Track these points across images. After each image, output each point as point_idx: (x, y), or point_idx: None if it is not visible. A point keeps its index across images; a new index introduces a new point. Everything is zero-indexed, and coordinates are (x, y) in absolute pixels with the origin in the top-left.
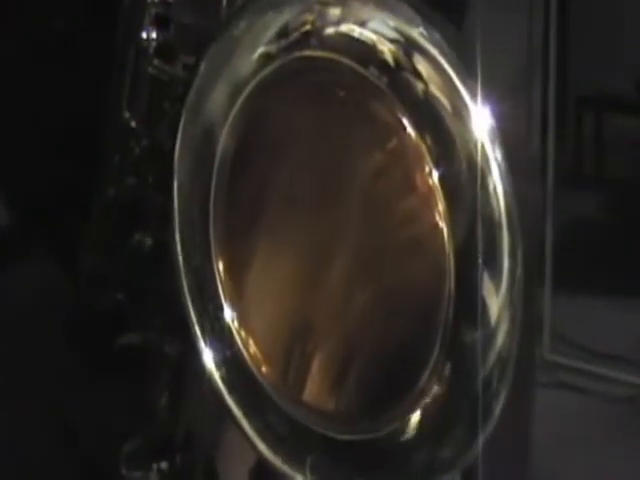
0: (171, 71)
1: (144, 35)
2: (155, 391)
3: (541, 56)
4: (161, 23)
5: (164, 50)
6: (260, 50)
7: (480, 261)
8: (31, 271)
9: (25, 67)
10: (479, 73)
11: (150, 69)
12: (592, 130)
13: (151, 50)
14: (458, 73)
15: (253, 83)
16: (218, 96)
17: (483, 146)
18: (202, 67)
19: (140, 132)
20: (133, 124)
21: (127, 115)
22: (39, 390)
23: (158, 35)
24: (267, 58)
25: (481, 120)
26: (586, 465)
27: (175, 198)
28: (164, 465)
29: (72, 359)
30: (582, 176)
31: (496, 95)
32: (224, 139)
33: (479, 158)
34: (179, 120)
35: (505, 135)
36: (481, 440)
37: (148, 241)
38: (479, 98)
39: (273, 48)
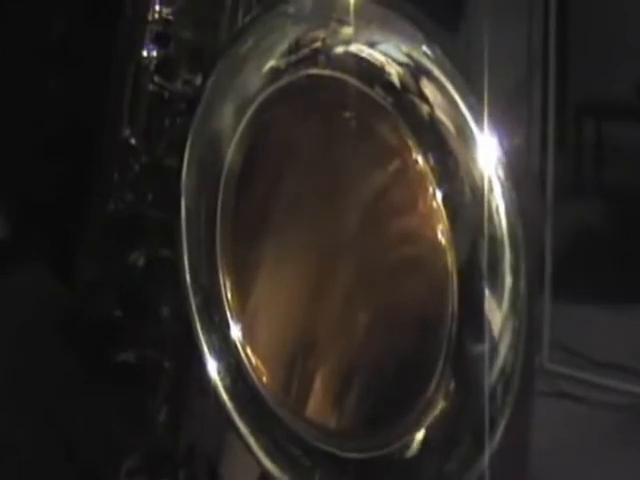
0: (171, 88)
1: (144, 52)
2: (154, 406)
3: (541, 64)
4: (161, 40)
5: (164, 67)
6: (270, 64)
7: (484, 279)
8: (29, 278)
9: (25, 76)
10: (485, 102)
11: (150, 86)
12: (592, 137)
13: (151, 67)
14: (462, 96)
15: (261, 98)
16: (225, 112)
17: (486, 167)
18: (209, 84)
19: (140, 149)
20: (133, 141)
21: (127, 132)
22: (36, 402)
23: (158, 52)
24: (276, 72)
25: (488, 151)
26: (586, 473)
27: (183, 214)
28: None
29: (70, 373)
30: (582, 184)
31: (500, 117)
32: (231, 155)
33: (486, 190)
34: (184, 139)
35: (509, 154)
36: (487, 454)
37: (146, 257)
38: (486, 127)
39: (282, 63)
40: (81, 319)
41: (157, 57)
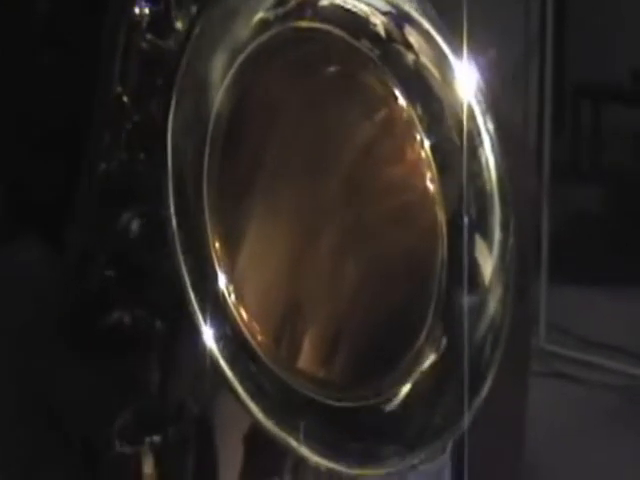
0: (164, 46)
1: (136, 10)
2: (146, 366)
3: (538, 46)
4: None
5: (157, 25)
6: (258, 16)
7: (467, 220)
8: (17, 250)
9: (15, 49)
10: (465, 30)
11: (143, 44)
12: (589, 120)
13: (144, 24)
14: (448, 43)
15: (249, 49)
16: (213, 63)
17: (474, 117)
18: (196, 33)
19: (132, 107)
20: (125, 99)
21: (119, 90)
22: (27, 367)
23: (151, 10)
24: (264, 24)
25: (467, 78)
26: (582, 454)
27: (169, 165)
28: (156, 439)
29: (61, 336)
30: (579, 166)
31: (487, 61)
32: (218, 104)
33: (465, 112)
34: (172, 86)
35: (497, 107)
36: (467, 403)
37: (139, 218)
38: (464, 55)
39: (271, 15)
40: (73, 280)
41: (149, 14)
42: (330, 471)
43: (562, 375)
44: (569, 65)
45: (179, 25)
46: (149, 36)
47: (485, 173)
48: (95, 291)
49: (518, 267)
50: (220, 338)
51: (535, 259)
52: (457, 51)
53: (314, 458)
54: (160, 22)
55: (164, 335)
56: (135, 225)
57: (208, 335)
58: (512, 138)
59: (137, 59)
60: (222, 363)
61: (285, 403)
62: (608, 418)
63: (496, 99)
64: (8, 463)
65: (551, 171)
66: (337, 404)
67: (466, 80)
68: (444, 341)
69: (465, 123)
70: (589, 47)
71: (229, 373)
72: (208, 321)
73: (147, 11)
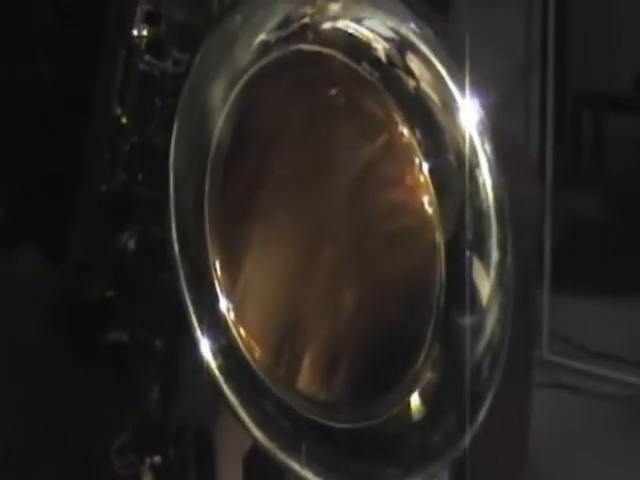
0: (162, 67)
1: (135, 32)
2: (146, 385)
3: (540, 54)
4: (152, 19)
5: (155, 46)
6: (260, 38)
7: (468, 243)
8: (17, 260)
9: (16, 59)
10: (467, 66)
11: (141, 65)
12: (591, 128)
13: (142, 46)
14: (448, 70)
15: (250, 72)
16: (214, 87)
17: (472, 139)
18: (198, 60)
19: (130, 128)
20: (124, 120)
21: (118, 111)
22: (24, 384)
23: (149, 31)
24: (266, 47)
25: (469, 112)
26: (584, 464)
27: (171, 189)
28: (156, 459)
29: (60, 352)
30: (581, 174)
31: (487, 88)
32: (219, 131)
33: (467, 145)
34: (175, 110)
35: (497, 129)
36: (468, 427)
37: (137, 237)
38: (467, 91)
39: (272, 37)
40: (72, 299)
41: (148, 36)
42: None
43: (564, 385)
44: (571, 73)
45: (176, 49)
46: (147, 57)
47: (482, 193)
48: (94, 309)
49: (520, 278)
50: (219, 356)
51: (538, 268)
52: (457, 77)
53: (313, 479)
54: (158, 44)
55: (164, 354)
56: (134, 244)
57: (207, 353)
58: (513, 147)
59: (136, 80)
60: (220, 381)
61: (284, 423)
62: (610, 428)
63: (494, 120)
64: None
65: (553, 180)
66: (337, 425)
67: (469, 114)
68: (442, 362)
69: (466, 153)
70: (590, 56)
71: (227, 391)
72: (207, 339)
73: (145, 33)
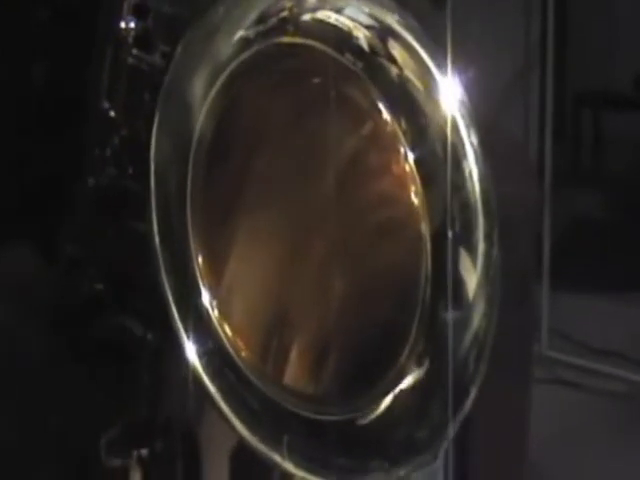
0: (150, 60)
1: (123, 25)
2: (134, 378)
3: (539, 54)
4: (140, 13)
5: (143, 40)
6: (239, 34)
7: (451, 235)
8: (10, 258)
9: (9, 58)
10: (449, 45)
11: (129, 59)
12: (590, 127)
13: (130, 40)
14: (431, 55)
15: (231, 67)
16: (196, 80)
17: (458, 130)
18: (179, 52)
19: (119, 122)
20: (112, 114)
21: (106, 105)
22: (15, 377)
23: (137, 25)
24: (245, 42)
25: (451, 93)
26: (584, 460)
27: (152, 183)
28: (144, 452)
29: (50, 345)
30: (580, 173)
31: (469, 66)
32: (201, 123)
33: (449, 126)
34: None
35: (491, 126)
36: (451, 417)
37: (128, 230)
38: (449, 70)
39: (251, 33)
40: (63, 295)
41: (136, 30)
42: None
43: (563, 381)
44: (570, 73)
45: (163, 43)
46: (135, 51)
47: (469, 185)
48: (85, 303)
49: (518, 275)
50: (204, 354)
51: (537, 266)
52: (441, 65)
53: (299, 473)
54: (146, 37)
55: (153, 348)
56: (125, 238)
57: (191, 351)
58: (512, 146)
59: (124, 74)
60: (205, 379)
61: (269, 418)
62: (610, 424)
63: (482, 113)
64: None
65: (552, 178)
66: (322, 418)
67: (450, 95)
68: (427, 356)
69: (449, 136)
70: (590, 55)
71: (212, 389)
72: (191, 337)
73: (133, 26)
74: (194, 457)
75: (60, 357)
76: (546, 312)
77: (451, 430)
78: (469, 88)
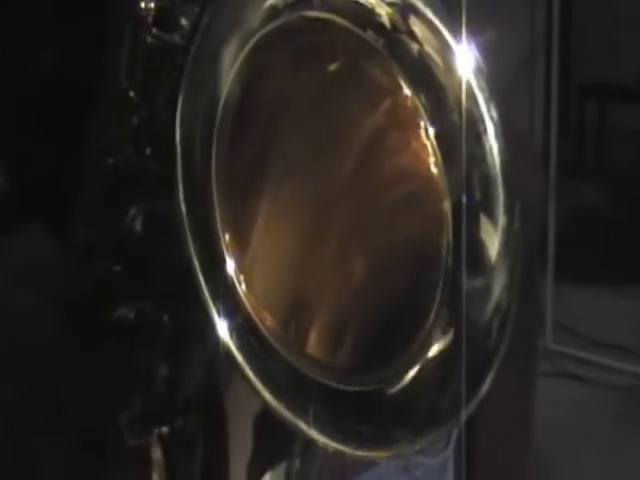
0: (169, 40)
1: (142, 4)
2: (153, 357)
3: (544, 46)
4: None
5: (162, 19)
6: (269, 2)
7: (469, 201)
8: (25, 240)
9: (22, 35)
10: (464, 11)
11: (148, 38)
12: (595, 120)
13: (149, 19)
14: (450, 31)
15: (257, 37)
16: (224, 47)
17: (478, 104)
18: (207, 20)
19: (138, 102)
20: (131, 94)
21: (125, 84)
22: (33, 361)
23: (156, 4)
24: (274, 12)
25: (467, 59)
26: (588, 453)
27: (178, 154)
28: (165, 430)
29: (67, 328)
30: (585, 165)
31: (485, 33)
32: (226, 93)
33: (464, 93)
34: (182, 77)
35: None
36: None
37: (145, 212)
38: (464, 37)
39: (280, 2)
40: (79, 275)
41: (155, 9)
42: (338, 453)
43: (568, 375)
44: (575, 65)
45: (184, 20)
46: (155, 31)
47: (489, 159)
48: (101, 285)
49: (524, 262)
50: (232, 325)
51: (541, 258)
52: (458, 37)
53: (322, 439)
54: (165, 16)
55: (171, 328)
56: (141, 219)
57: (220, 323)
58: (518, 136)
59: (143, 54)
60: (233, 349)
61: (295, 387)
62: (614, 418)
63: (499, 84)
64: (15, 453)
65: (557, 170)
66: (346, 388)
67: (465, 60)
68: (452, 324)
69: (464, 101)
70: (595, 47)
71: (240, 358)
72: (219, 308)
73: (152, 5)
74: (215, 431)
75: (76, 339)
76: (550, 305)
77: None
78: (486, 57)
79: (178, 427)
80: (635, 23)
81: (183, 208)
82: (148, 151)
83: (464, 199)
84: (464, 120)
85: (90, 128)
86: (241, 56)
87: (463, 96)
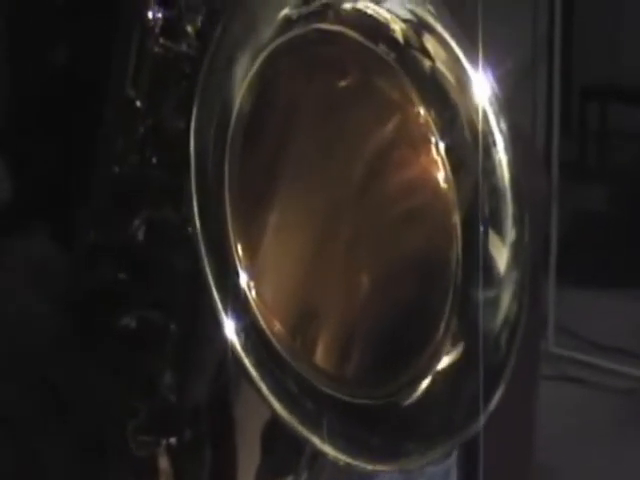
0: (177, 49)
1: (150, 15)
2: (159, 368)
3: (546, 47)
4: (167, 2)
5: (170, 29)
6: (283, 12)
7: (480, 217)
8: (30, 245)
9: (28, 42)
10: (480, 41)
11: (156, 48)
12: (597, 121)
13: (157, 29)
14: (464, 49)
15: (270, 48)
16: (237, 58)
17: (487, 117)
18: (220, 30)
19: (144, 111)
20: (137, 103)
21: (132, 94)
22: (37, 365)
23: (163, 14)
24: (287, 23)
25: (483, 87)
26: (590, 457)
27: (192, 164)
28: (172, 440)
29: (73, 334)
30: (587, 167)
31: (501, 61)
32: (238, 104)
33: (481, 118)
34: (189, 100)
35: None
36: (481, 400)
37: (150, 220)
38: (480, 66)
39: (295, 13)
40: (84, 284)
41: (162, 19)
42: (348, 467)
43: (570, 378)
44: (577, 66)
45: (191, 29)
46: (162, 40)
47: (498, 171)
48: (106, 292)
49: (530, 270)
50: (243, 336)
51: (544, 262)
52: (472, 56)
53: (333, 453)
54: (173, 26)
55: (178, 336)
56: (147, 227)
57: (231, 331)
58: (521, 139)
59: (150, 63)
60: (245, 360)
61: (306, 399)
62: (616, 421)
63: (509, 100)
64: (23, 462)
65: (559, 173)
66: (356, 401)
67: (481, 87)
68: (462, 336)
69: (480, 128)
70: (597, 48)
71: (252, 370)
72: (230, 315)
73: (160, 15)
74: (223, 441)
75: (83, 346)
76: (552, 309)
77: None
78: (499, 79)
79: (186, 437)
80: (636, 25)
81: (197, 218)
82: (154, 160)
83: (477, 216)
84: (481, 150)
85: (97, 136)
86: (254, 68)
87: (480, 124)
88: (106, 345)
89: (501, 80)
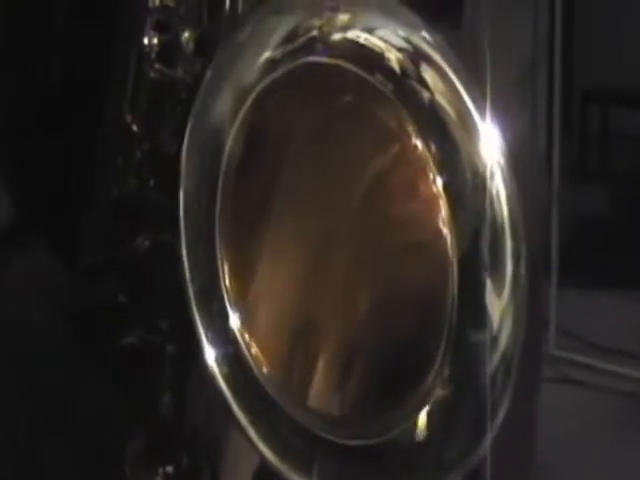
0: (172, 74)
1: (145, 39)
2: (158, 391)
3: (547, 50)
4: (162, 27)
5: (165, 54)
6: (265, 55)
7: (485, 267)
8: (30, 264)
9: (27, 58)
10: (488, 91)
11: (152, 73)
12: (597, 124)
13: (153, 54)
14: (463, 81)
15: (259, 88)
16: (225, 101)
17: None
18: (208, 73)
19: (141, 135)
20: (134, 128)
21: (128, 119)
22: (36, 387)
23: (159, 39)
24: (272, 63)
25: (490, 137)
26: (591, 459)
27: (181, 202)
28: (169, 469)
29: (74, 355)
30: (588, 170)
31: (502, 104)
32: (230, 144)
33: (488, 176)
34: (184, 125)
35: (510, 141)
36: (489, 440)
37: (149, 243)
38: (488, 114)
39: (278, 53)
40: (84, 304)
41: (158, 44)
42: None
43: (571, 380)
44: (577, 69)
45: (187, 54)
46: (158, 65)
47: (496, 206)
48: (105, 313)
49: (530, 277)
50: (226, 368)
51: (544, 264)
52: (472, 89)
53: None
54: (169, 51)
55: (176, 360)
56: (146, 249)
57: (214, 368)
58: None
59: (146, 88)
60: (231, 401)
61: (297, 442)
62: (617, 423)
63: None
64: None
65: (560, 175)
66: (349, 442)
67: (488, 135)
68: (454, 378)
69: (487, 180)
70: (597, 51)
71: (238, 413)
72: (213, 346)
73: (156, 41)
74: (219, 472)
75: (83, 365)
76: (554, 311)
77: (487, 449)
78: (506, 133)
79: (183, 466)
80: (637, 27)
81: (184, 247)
82: (152, 183)
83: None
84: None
85: (96, 157)
86: (243, 108)
87: (487, 182)
88: (105, 367)
89: (507, 135)
